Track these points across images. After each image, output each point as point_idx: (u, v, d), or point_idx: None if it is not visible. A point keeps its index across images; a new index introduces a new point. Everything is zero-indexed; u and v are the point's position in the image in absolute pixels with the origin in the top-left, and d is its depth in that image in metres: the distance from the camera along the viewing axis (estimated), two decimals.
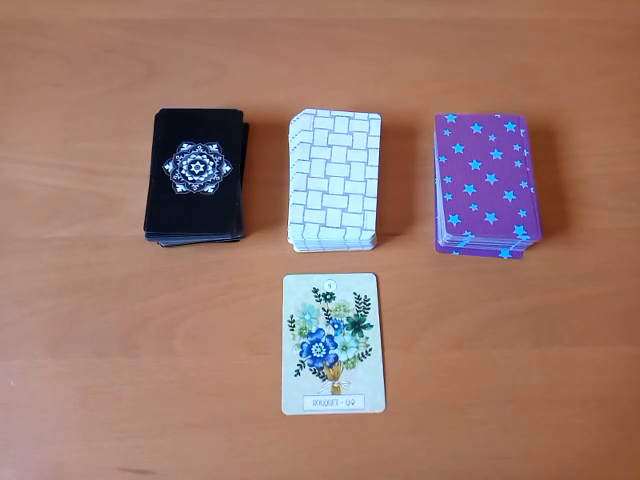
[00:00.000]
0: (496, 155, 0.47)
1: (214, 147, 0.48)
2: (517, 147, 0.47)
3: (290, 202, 0.47)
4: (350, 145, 0.48)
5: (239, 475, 0.41)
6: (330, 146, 0.48)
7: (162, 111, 0.50)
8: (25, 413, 0.42)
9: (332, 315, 0.45)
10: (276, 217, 0.49)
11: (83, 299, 0.46)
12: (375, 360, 0.44)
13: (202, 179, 0.47)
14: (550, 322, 0.45)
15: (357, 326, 0.45)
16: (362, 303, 0.46)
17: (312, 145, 0.48)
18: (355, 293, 0.46)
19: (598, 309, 0.46)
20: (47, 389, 0.43)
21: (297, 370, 0.43)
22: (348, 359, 0.44)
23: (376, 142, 0.48)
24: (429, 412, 0.42)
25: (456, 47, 0.57)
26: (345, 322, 0.45)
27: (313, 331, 0.45)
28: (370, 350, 0.44)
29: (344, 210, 0.45)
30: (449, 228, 0.44)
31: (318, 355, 0.44)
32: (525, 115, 0.50)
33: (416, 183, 0.51)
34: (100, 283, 0.46)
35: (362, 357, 0.44)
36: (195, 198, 0.46)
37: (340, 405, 0.42)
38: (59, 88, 0.55)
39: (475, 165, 0.47)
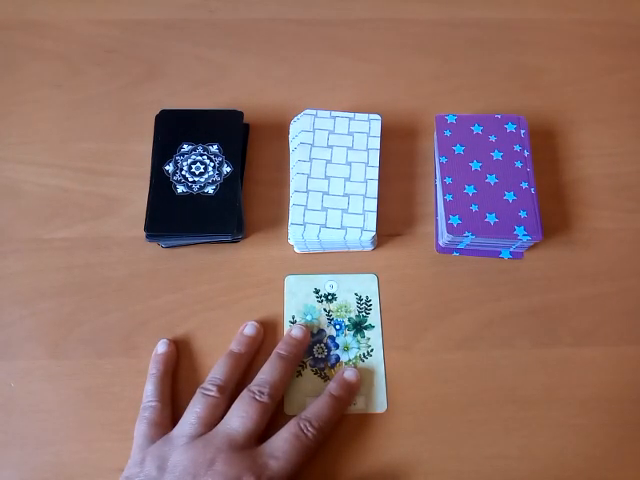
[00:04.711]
0: (496, 155, 0.47)
1: (214, 148, 0.48)
2: (517, 147, 0.47)
3: (290, 203, 0.47)
4: (350, 146, 0.48)
5: None
6: (330, 147, 0.48)
7: (162, 112, 0.50)
8: (26, 414, 0.42)
9: (334, 316, 0.45)
10: (276, 218, 0.49)
11: (83, 300, 0.46)
12: (377, 361, 0.44)
13: (202, 180, 0.47)
14: (551, 322, 0.45)
15: (359, 327, 0.45)
16: (363, 304, 0.46)
17: (312, 146, 0.48)
18: (356, 294, 0.46)
19: (599, 309, 0.46)
20: (47, 390, 0.43)
21: (299, 371, 0.43)
22: (350, 360, 0.44)
23: (376, 143, 0.48)
24: (430, 412, 0.43)
25: (456, 47, 0.57)
26: (347, 323, 0.45)
27: (314, 332, 0.45)
28: (371, 351, 0.44)
29: (344, 211, 0.45)
30: (450, 229, 0.44)
31: (320, 356, 0.44)
32: (525, 115, 0.50)
33: (416, 184, 0.51)
34: (101, 284, 0.46)
35: (364, 358, 0.44)
36: (195, 199, 0.46)
37: None
38: (59, 88, 0.55)
39: (475, 165, 0.47)
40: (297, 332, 0.43)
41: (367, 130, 0.49)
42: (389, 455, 0.41)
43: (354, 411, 0.42)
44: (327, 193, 0.46)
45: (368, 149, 0.48)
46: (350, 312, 0.45)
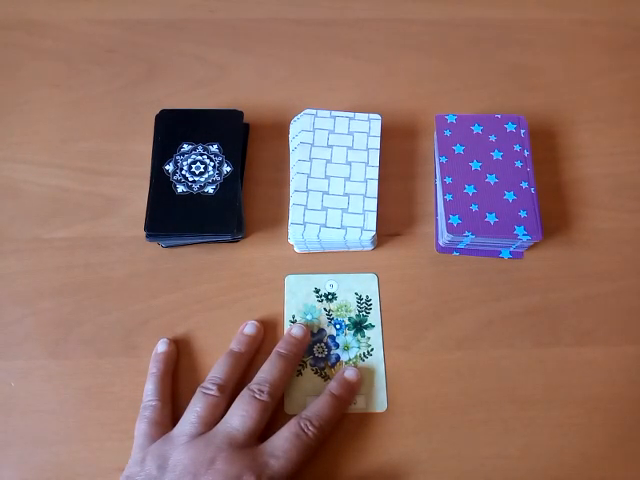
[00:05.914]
0: (496, 155, 0.47)
1: (214, 147, 0.48)
2: (517, 147, 0.47)
3: (290, 202, 0.47)
4: (350, 145, 0.48)
5: None
6: (330, 146, 0.48)
7: (162, 111, 0.50)
8: (26, 414, 0.42)
9: (334, 315, 0.45)
10: (276, 217, 0.49)
11: (83, 299, 0.46)
12: (377, 360, 0.44)
13: (202, 179, 0.47)
14: (551, 322, 0.45)
15: (359, 326, 0.45)
16: (364, 303, 0.46)
17: (312, 145, 0.48)
18: (357, 293, 0.46)
19: (599, 309, 0.46)
20: (48, 390, 0.43)
21: (299, 370, 0.43)
22: (350, 359, 0.44)
23: (376, 142, 0.48)
24: (430, 412, 0.43)
25: (456, 47, 0.58)
26: (347, 322, 0.45)
27: (315, 331, 0.45)
28: (372, 350, 0.44)
29: (344, 210, 0.45)
30: (450, 228, 0.44)
31: (320, 355, 0.44)
32: (525, 115, 0.50)
33: (416, 183, 0.51)
34: (100, 283, 0.46)
35: (364, 357, 0.44)
36: (195, 198, 0.46)
37: None
38: (59, 88, 0.55)
39: (475, 165, 0.47)
40: (297, 331, 0.43)
41: (367, 130, 0.49)
42: (389, 455, 0.41)
43: (354, 410, 0.42)
44: (327, 193, 0.46)
45: (368, 149, 0.48)
46: (350, 311, 0.45)
